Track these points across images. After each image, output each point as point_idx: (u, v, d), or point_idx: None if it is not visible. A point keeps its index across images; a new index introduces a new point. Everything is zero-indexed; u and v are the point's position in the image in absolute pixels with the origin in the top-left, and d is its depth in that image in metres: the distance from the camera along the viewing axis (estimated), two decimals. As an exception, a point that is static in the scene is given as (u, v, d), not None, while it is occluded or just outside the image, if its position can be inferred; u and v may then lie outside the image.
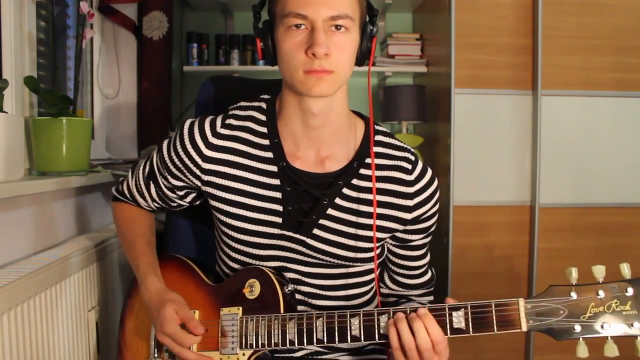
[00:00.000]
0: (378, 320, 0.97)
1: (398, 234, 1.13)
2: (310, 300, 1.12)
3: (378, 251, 1.12)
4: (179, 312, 1.04)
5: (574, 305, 0.89)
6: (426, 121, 2.73)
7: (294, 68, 0.98)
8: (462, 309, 0.93)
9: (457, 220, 2.37)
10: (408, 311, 0.95)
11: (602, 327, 0.88)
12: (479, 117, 2.39)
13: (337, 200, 1.08)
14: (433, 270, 1.24)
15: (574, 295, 0.89)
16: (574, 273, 0.89)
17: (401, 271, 1.19)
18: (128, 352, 1.20)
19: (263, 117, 1.11)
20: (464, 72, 2.37)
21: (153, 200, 1.22)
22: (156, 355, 1.13)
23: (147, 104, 2.32)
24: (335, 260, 1.10)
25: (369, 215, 1.09)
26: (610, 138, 2.41)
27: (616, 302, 0.87)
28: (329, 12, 0.96)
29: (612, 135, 2.41)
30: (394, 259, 1.18)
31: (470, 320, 0.92)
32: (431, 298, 1.24)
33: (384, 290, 1.22)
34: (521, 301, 0.90)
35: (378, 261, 1.15)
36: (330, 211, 1.08)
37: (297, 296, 1.11)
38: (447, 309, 0.93)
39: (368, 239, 1.09)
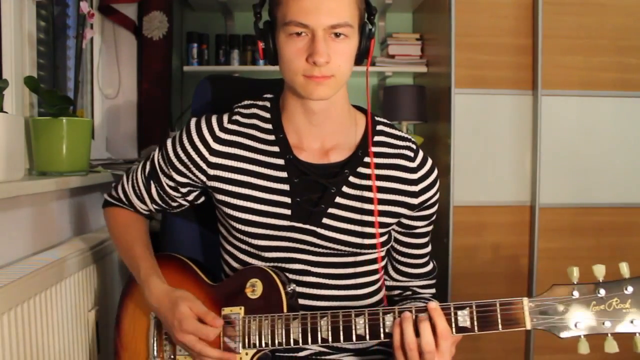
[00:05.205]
0: (383, 319, 0.98)
1: (404, 220, 1.16)
2: (315, 291, 1.12)
3: (385, 238, 1.15)
4: (192, 308, 1.04)
5: (576, 303, 0.91)
6: (426, 121, 2.73)
7: (295, 73, 1.02)
8: (467, 308, 0.94)
9: (457, 220, 2.37)
10: (414, 311, 0.96)
11: (603, 324, 0.90)
12: (479, 117, 2.39)
13: (345, 189, 1.10)
14: (434, 262, 1.27)
15: (575, 294, 0.91)
16: (575, 272, 0.92)
17: (405, 260, 1.21)
18: (126, 353, 1.19)
19: (267, 115, 1.14)
20: (464, 72, 2.37)
21: (153, 201, 1.21)
22: (156, 355, 1.13)
23: (147, 104, 2.31)
24: (345, 248, 1.11)
25: (377, 201, 1.11)
26: (610, 138, 2.41)
27: (616, 300, 0.90)
28: (330, 21, 0.99)
29: (612, 135, 2.41)
30: (399, 247, 1.21)
31: (475, 319, 0.94)
32: (433, 291, 1.26)
33: (388, 283, 1.24)
34: (525, 300, 0.92)
35: (385, 248, 1.18)
36: (338, 199, 1.10)
37: (302, 289, 1.11)
38: (452, 307, 0.95)
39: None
